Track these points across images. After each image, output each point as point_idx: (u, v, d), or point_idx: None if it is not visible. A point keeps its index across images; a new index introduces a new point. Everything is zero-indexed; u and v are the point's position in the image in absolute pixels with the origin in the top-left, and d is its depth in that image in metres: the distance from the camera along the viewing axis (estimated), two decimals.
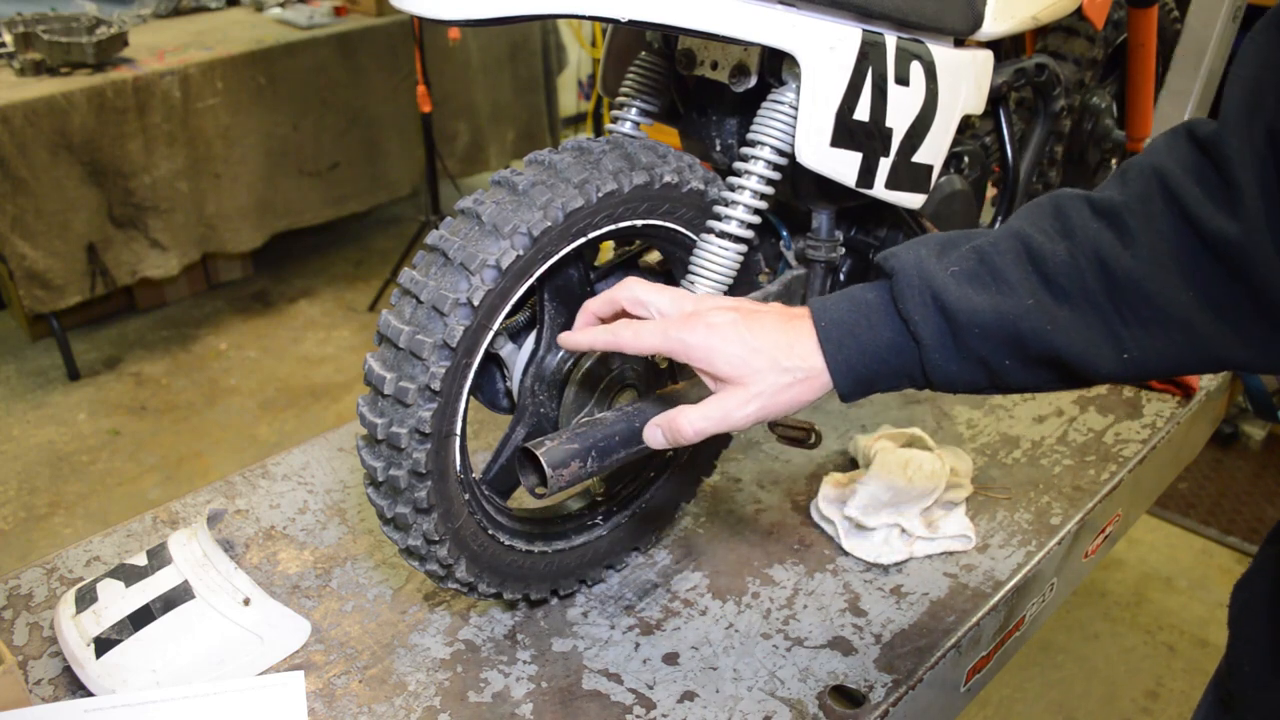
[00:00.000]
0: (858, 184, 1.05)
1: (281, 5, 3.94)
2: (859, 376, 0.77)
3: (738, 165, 1.01)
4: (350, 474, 1.33)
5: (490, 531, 0.98)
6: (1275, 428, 3.16)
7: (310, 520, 1.24)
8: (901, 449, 1.28)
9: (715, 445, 1.18)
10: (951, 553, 1.19)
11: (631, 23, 0.83)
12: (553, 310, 0.98)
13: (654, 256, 1.12)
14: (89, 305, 3.53)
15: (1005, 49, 1.48)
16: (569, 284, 0.98)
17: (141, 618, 1.00)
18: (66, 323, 3.50)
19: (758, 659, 1.04)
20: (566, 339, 0.85)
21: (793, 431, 1.17)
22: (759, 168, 0.99)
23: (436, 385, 0.84)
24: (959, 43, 1.13)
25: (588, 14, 0.81)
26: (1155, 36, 1.61)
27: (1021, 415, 1.46)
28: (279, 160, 3.69)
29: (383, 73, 3.91)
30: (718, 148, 1.12)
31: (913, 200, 1.12)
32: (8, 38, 3.24)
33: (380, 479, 0.89)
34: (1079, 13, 1.36)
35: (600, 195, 0.89)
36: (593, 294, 1.02)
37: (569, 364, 0.99)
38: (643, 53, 1.13)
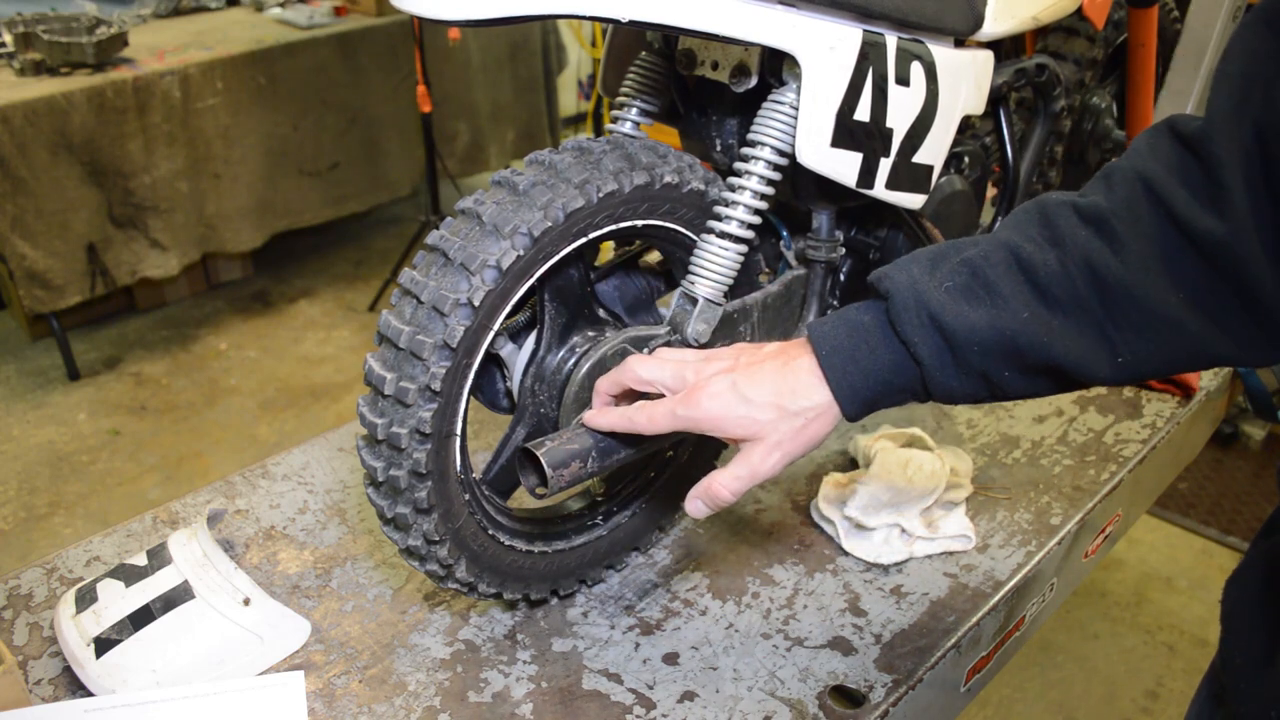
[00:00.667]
0: (858, 184, 1.05)
1: (281, 5, 3.95)
2: (863, 399, 0.78)
3: (738, 165, 1.01)
4: (350, 474, 1.33)
5: (490, 532, 0.98)
6: (1275, 428, 3.16)
7: (310, 520, 1.24)
8: (901, 449, 1.28)
9: (715, 445, 1.18)
10: (951, 553, 1.19)
11: (632, 23, 0.83)
12: (553, 310, 0.98)
13: (654, 256, 1.12)
14: (89, 305, 3.53)
15: (1005, 49, 1.48)
16: (569, 284, 0.98)
17: (141, 618, 1.00)
18: (66, 323, 3.50)
19: (758, 659, 1.04)
20: (589, 420, 0.90)
21: None
22: (759, 168, 0.99)
23: (437, 385, 0.84)
24: (959, 43, 1.13)
25: (588, 14, 0.81)
26: (1155, 36, 1.61)
27: (1021, 415, 1.47)
28: (279, 160, 3.69)
29: (383, 73, 3.91)
30: (718, 148, 1.12)
31: (913, 200, 1.12)
32: (8, 38, 3.24)
33: (380, 479, 0.89)
34: (1079, 13, 1.36)
35: (601, 195, 0.89)
36: (593, 294, 1.02)
37: (569, 364, 0.99)
38: (643, 53, 1.13)
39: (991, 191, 1.45)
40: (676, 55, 1.08)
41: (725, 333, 1.06)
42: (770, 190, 1.01)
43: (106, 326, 3.76)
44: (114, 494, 2.95)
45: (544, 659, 1.04)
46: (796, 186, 1.10)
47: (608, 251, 1.16)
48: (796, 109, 0.97)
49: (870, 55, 0.99)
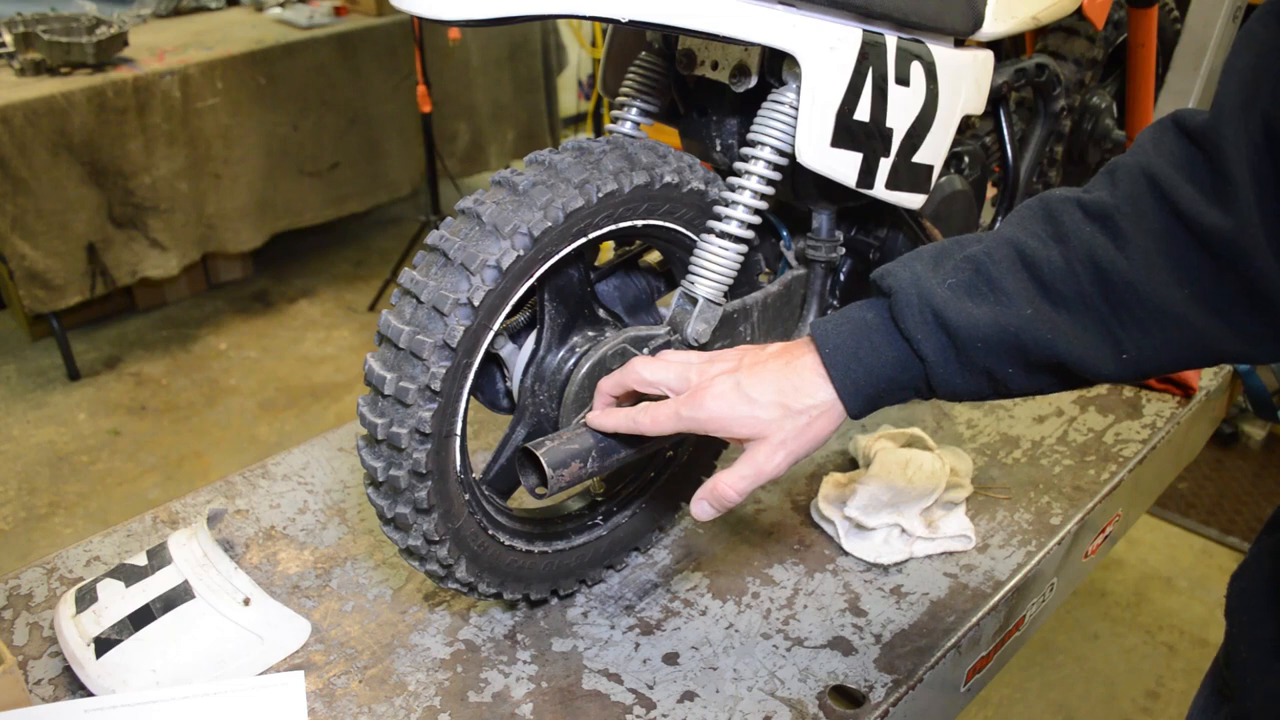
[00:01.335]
0: (858, 184, 1.05)
1: (281, 5, 3.95)
2: (867, 396, 0.78)
3: (738, 165, 1.01)
4: (350, 474, 1.33)
5: (490, 532, 0.98)
6: (1275, 428, 3.16)
7: (310, 520, 1.24)
8: (901, 449, 1.28)
9: (715, 445, 1.18)
10: (951, 553, 1.19)
11: (631, 23, 0.83)
12: (553, 310, 0.98)
13: (654, 256, 1.12)
14: (89, 305, 3.53)
15: (1005, 49, 1.48)
16: (569, 284, 0.98)
17: (141, 618, 1.00)
18: (66, 323, 3.50)
19: (758, 659, 1.04)
20: (593, 421, 0.90)
21: None
22: (759, 168, 0.99)
23: (437, 385, 0.84)
24: (959, 43, 1.13)
25: (588, 14, 0.81)
26: (1155, 36, 1.61)
27: (1021, 415, 1.46)
28: (279, 160, 3.69)
29: (383, 73, 3.91)
30: (718, 148, 1.12)
31: (913, 200, 1.12)
32: (8, 38, 3.24)
33: (380, 479, 0.89)
34: (1079, 13, 1.36)
35: (601, 195, 0.89)
36: (593, 294, 1.02)
37: (569, 364, 0.99)
38: (643, 53, 1.13)
39: (991, 191, 1.45)
40: (676, 55, 1.08)
41: (725, 333, 1.06)
42: (770, 190, 1.01)
43: (106, 326, 3.76)
44: (114, 494, 2.95)
45: (544, 659, 1.04)
46: (796, 186, 1.10)
47: (608, 251, 1.16)
48: (796, 109, 0.97)
49: (870, 55, 0.99)
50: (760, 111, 1.00)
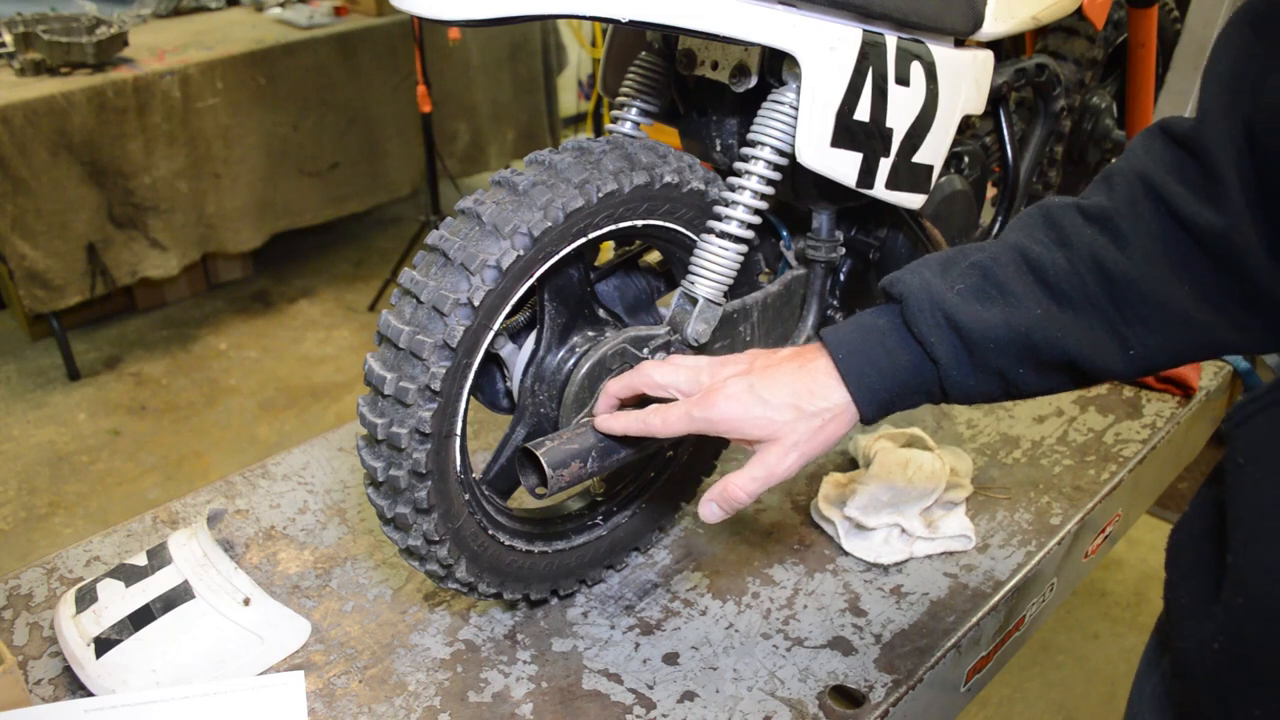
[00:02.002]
0: (858, 184, 1.05)
1: (281, 5, 3.95)
2: (881, 401, 0.79)
3: (738, 165, 1.01)
4: (350, 474, 1.33)
5: (490, 531, 0.98)
6: None
7: (310, 520, 1.24)
8: (901, 449, 1.28)
9: (715, 445, 1.18)
10: (951, 553, 1.19)
11: (631, 23, 0.83)
12: (553, 310, 0.98)
13: (654, 256, 1.12)
14: (89, 305, 3.53)
15: (1005, 49, 1.48)
16: (569, 284, 0.98)
17: (141, 618, 1.00)
18: (66, 323, 3.50)
19: (758, 659, 1.04)
20: (601, 424, 0.88)
21: None
22: (759, 168, 0.99)
23: (437, 385, 0.84)
24: (959, 43, 1.13)
25: (588, 14, 0.81)
26: (1155, 36, 1.61)
27: (1021, 415, 1.46)
28: (279, 160, 3.69)
29: (383, 73, 3.91)
30: (718, 148, 1.12)
31: (913, 200, 1.12)
32: (8, 38, 3.24)
33: (380, 479, 0.89)
34: (1079, 13, 1.36)
35: (601, 195, 0.89)
36: (593, 294, 1.02)
37: (569, 364, 0.99)
38: (643, 53, 1.13)
39: (991, 191, 1.45)
40: (676, 55, 1.08)
41: (725, 333, 1.06)
42: (770, 190, 1.01)
43: (106, 326, 3.76)
44: (114, 494, 2.95)
45: (544, 659, 1.04)
46: (796, 186, 1.10)
47: (608, 251, 1.16)
48: (796, 109, 0.97)
49: (870, 55, 0.99)
50: (760, 111, 1.00)
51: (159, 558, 1.07)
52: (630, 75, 1.12)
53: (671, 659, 1.04)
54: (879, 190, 1.07)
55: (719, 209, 1.00)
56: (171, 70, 3.29)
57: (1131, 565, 2.75)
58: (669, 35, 1.10)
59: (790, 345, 1.03)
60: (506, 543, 1.00)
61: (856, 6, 0.96)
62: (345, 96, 3.82)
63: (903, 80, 1.03)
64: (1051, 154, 1.53)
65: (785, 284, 1.13)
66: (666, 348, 1.00)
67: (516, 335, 1.01)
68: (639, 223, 0.95)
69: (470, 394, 0.89)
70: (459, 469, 0.92)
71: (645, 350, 0.99)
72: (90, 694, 0.97)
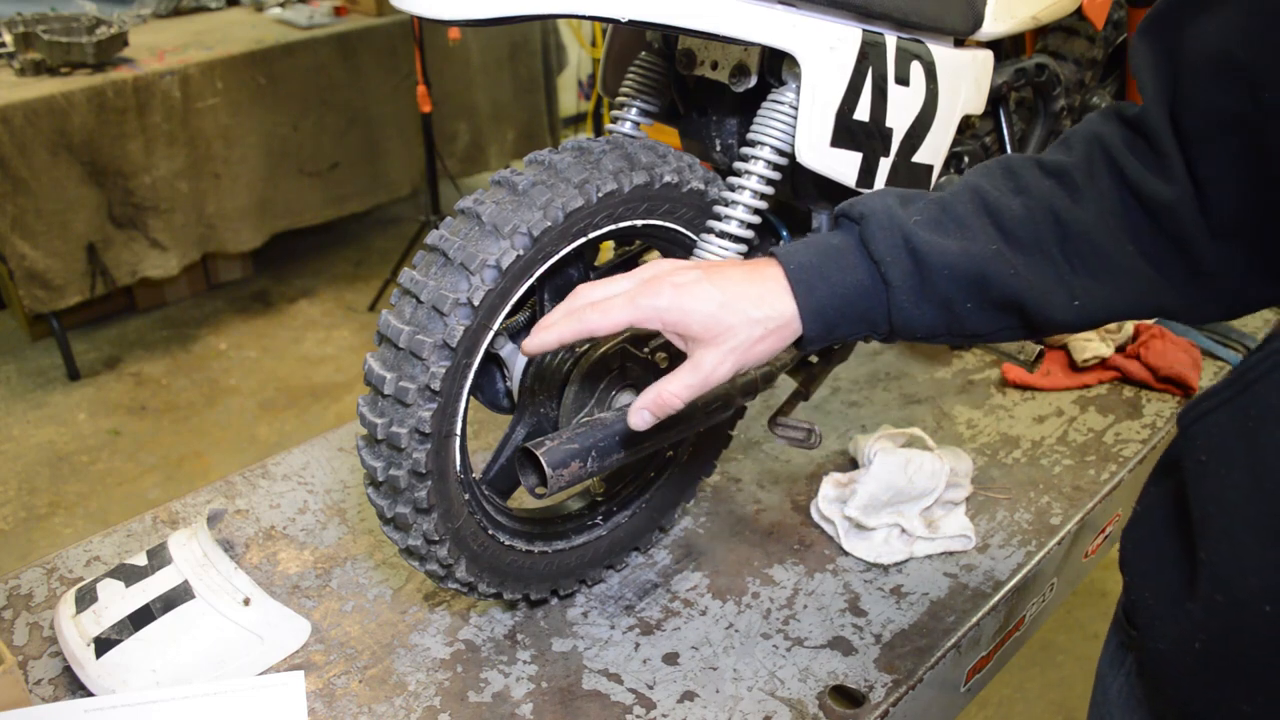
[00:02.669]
0: (858, 184, 1.05)
1: (281, 5, 3.94)
2: (826, 320, 0.78)
3: (738, 165, 1.01)
4: (350, 474, 1.33)
5: (490, 531, 0.98)
6: None
7: (310, 520, 1.24)
8: (901, 449, 1.28)
9: (715, 445, 1.18)
10: (951, 553, 1.19)
11: (631, 23, 0.83)
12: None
13: (654, 256, 1.12)
14: (89, 305, 3.53)
15: (1005, 49, 1.48)
16: (569, 284, 0.98)
17: (141, 618, 1.00)
18: (66, 323, 3.50)
19: (758, 659, 1.04)
20: (530, 344, 0.79)
21: (793, 431, 1.18)
22: (759, 168, 0.99)
23: (436, 385, 0.84)
24: (959, 43, 1.13)
25: (588, 14, 0.81)
26: None
27: (1021, 415, 1.47)
28: (279, 160, 3.69)
29: (383, 73, 3.91)
30: (718, 148, 1.12)
31: None
32: (8, 38, 3.24)
33: (380, 479, 0.89)
34: (1079, 13, 1.36)
35: (600, 195, 0.89)
36: None
37: (569, 364, 0.99)
38: (643, 53, 1.13)
39: None
40: (676, 55, 1.08)
41: None
42: (770, 190, 1.01)
43: (106, 326, 3.75)
44: (114, 494, 2.95)
45: (544, 659, 1.04)
46: (796, 186, 1.10)
47: (608, 251, 1.16)
48: (796, 109, 0.97)
49: (870, 55, 0.99)
50: (760, 111, 1.00)
51: (159, 558, 1.07)
52: (630, 75, 1.12)
53: (671, 659, 1.04)
54: None
55: (719, 209, 1.00)
56: (171, 70, 3.29)
57: None
58: (669, 35, 1.10)
59: None
60: (506, 542, 1.00)
61: (856, 6, 0.96)
62: (345, 96, 3.82)
63: (902, 80, 1.03)
64: None
65: None
66: (667, 347, 1.00)
67: (516, 335, 1.01)
68: (639, 222, 0.95)
69: (470, 394, 0.89)
70: (459, 469, 0.92)
71: (645, 350, 0.99)
72: (90, 694, 0.97)
